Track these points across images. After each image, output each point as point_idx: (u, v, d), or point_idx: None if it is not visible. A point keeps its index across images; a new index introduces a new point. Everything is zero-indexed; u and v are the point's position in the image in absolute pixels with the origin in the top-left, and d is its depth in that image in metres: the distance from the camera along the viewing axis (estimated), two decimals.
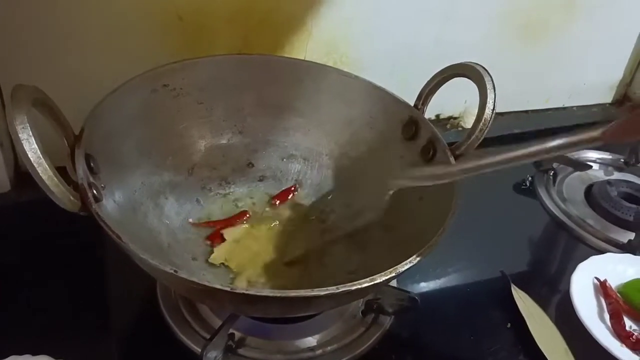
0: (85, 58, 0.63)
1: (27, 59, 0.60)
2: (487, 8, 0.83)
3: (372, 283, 0.39)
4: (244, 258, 0.56)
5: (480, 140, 0.53)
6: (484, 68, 0.53)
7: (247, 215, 0.61)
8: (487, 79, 0.52)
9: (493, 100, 0.52)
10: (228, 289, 0.37)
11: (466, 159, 0.53)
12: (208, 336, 0.47)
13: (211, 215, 0.60)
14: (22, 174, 0.65)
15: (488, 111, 0.52)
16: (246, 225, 0.60)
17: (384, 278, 0.40)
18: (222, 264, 0.55)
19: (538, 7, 0.87)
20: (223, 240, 0.57)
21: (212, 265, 0.55)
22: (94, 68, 0.62)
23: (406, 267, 0.41)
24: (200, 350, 0.46)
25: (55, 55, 0.61)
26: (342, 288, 0.38)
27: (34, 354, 0.45)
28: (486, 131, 0.53)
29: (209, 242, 0.57)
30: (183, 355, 0.49)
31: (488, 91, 0.52)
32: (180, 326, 0.51)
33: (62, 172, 0.40)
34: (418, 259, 0.42)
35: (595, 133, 0.38)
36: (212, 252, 0.56)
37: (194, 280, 0.37)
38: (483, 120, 0.52)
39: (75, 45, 0.62)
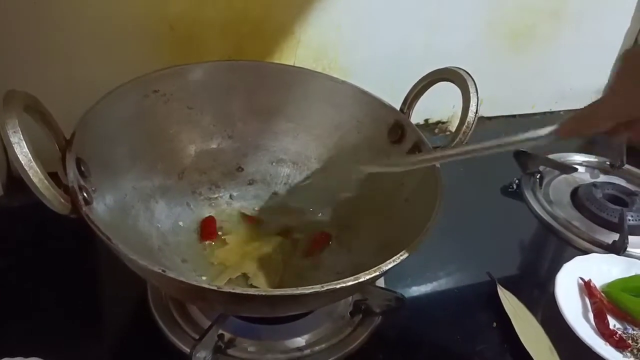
0: (77, 65, 0.64)
1: (19, 65, 0.61)
2: (474, 15, 0.85)
3: (356, 281, 0.40)
4: (238, 259, 0.57)
5: (464, 143, 0.54)
6: (467, 72, 0.55)
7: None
8: (470, 83, 0.54)
9: (476, 104, 0.53)
10: (215, 287, 0.38)
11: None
12: (197, 337, 0.48)
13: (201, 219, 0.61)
14: (14, 179, 0.65)
15: (471, 114, 0.53)
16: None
17: (368, 277, 0.41)
18: (212, 263, 0.56)
19: (525, 14, 0.88)
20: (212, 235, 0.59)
21: (203, 267, 0.56)
22: (85, 75, 0.63)
23: (390, 265, 0.42)
24: (189, 350, 0.46)
25: (48, 62, 0.62)
26: (327, 286, 0.39)
27: (26, 356, 0.46)
28: (470, 133, 0.54)
29: (198, 237, 0.58)
30: (173, 356, 0.49)
31: (471, 95, 0.53)
32: (170, 327, 0.51)
33: (53, 178, 0.40)
34: (402, 257, 0.43)
35: (550, 129, 0.41)
36: (203, 252, 0.57)
37: (182, 280, 0.38)
38: (466, 123, 0.53)
39: (68, 52, 0.63)
